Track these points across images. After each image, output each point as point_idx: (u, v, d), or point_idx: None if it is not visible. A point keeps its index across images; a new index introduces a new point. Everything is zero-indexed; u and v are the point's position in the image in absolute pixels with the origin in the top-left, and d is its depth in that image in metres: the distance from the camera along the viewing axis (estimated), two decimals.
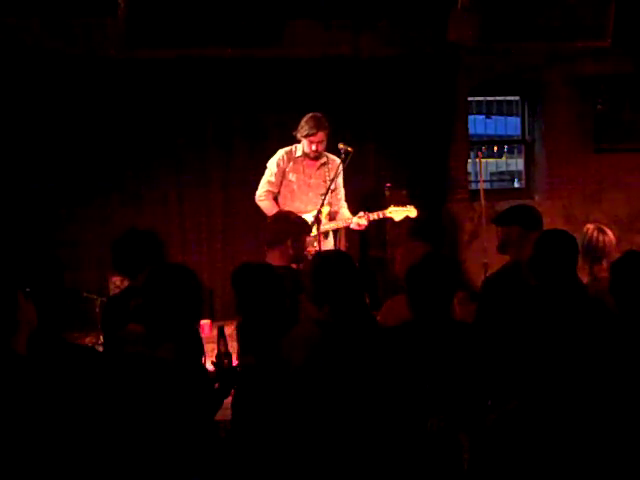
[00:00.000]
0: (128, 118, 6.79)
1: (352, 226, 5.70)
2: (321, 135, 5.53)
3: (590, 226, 4.54)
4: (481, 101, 8.30)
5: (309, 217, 5.43)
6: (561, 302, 3.38)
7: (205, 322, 6.25)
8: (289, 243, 4.28)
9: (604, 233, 4.45)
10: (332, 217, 5.73)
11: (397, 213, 5.71)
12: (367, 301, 6.88)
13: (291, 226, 4.41)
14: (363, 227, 5.71)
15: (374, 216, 5.67)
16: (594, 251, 4.37)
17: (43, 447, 2.51)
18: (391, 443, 2.98)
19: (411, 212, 5.74)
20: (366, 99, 7.12)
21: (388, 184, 6.98)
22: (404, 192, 6.91)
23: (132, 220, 6.67)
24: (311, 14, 6.87)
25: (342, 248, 5.82)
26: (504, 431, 3.00)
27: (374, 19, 7.08)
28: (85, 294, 6.05)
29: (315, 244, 5.46)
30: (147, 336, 3.03)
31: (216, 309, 6.92)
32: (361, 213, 5.65)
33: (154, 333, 3.01)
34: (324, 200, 5.53)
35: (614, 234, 4.63)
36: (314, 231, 5.41)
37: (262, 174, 6.54)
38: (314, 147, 5.55)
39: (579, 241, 4.50)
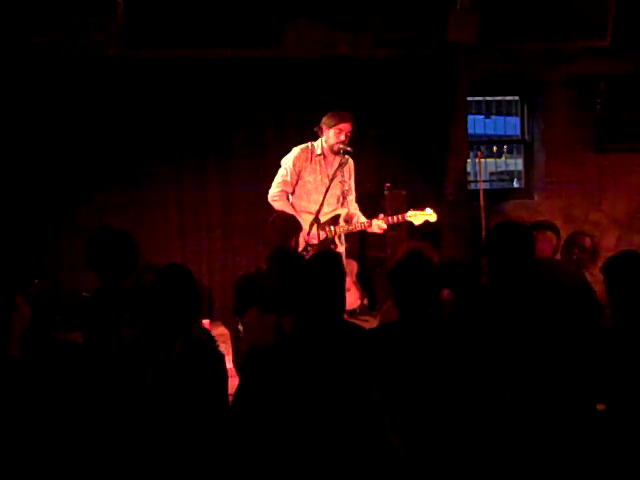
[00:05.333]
0: (127, 118, 6.79)
1: (371, 230, 5.66)
2: (350, 125, 5.52)
3: (581, 236, 4.66)
4: (480, 101, 8.30)
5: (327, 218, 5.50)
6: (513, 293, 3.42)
7: (205, 322, 6.24)
8: (292, 244, 4.38)
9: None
10: (347, 220, 5.72)
11: (417, 217, 5.60)
12: (366, 302, 7.00)
13: (294, 226, 4.50)
14: (382, 231, 5.67)
15: (393, 220, 5.62)
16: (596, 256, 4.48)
17: (38, 446, 2.52)
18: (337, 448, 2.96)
19: (431, 217, 5.62)
20: (366, 99, 7.11)
21: (387, 184, 6.97)
22: (403, 192, 6.90)
23: (132, 221, 6.69)
24: (311, 14, 6.87)
25: (342, 248, 5.83)
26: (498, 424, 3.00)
27: (374, 19, 7.08)
28: (84, 294, 6.04)
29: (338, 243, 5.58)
30: (144, 338, 3.04)
31: (215, 309, 6.91)
32: (381, 216, 5.62)
33: (156, 333, 3.01)
34: (342, 202, 5.59)
35: (614, 234, 4.71)
36: (314, 230, 5.44)
37: (262, 174, 6.54)
38: (342, 137, 5.51)
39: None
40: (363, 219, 5.68)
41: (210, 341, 3.17)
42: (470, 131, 7.91)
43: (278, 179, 5.63)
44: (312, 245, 5.42)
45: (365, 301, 7.03)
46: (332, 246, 5.59)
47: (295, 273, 3.67)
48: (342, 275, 3.36)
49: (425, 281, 3.24)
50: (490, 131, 8.82)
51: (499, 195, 8.03)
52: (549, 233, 4.79)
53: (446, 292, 3.88)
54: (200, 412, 2.89)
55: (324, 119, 5.59)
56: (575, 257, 4.82)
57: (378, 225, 5.59)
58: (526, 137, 8.18)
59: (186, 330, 3.08)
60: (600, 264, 4.51)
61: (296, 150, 5.65)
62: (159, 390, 2.88)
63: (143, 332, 3.05)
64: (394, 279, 3.29)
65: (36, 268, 4.31)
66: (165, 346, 2.97)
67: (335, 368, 3.04)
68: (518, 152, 8.45)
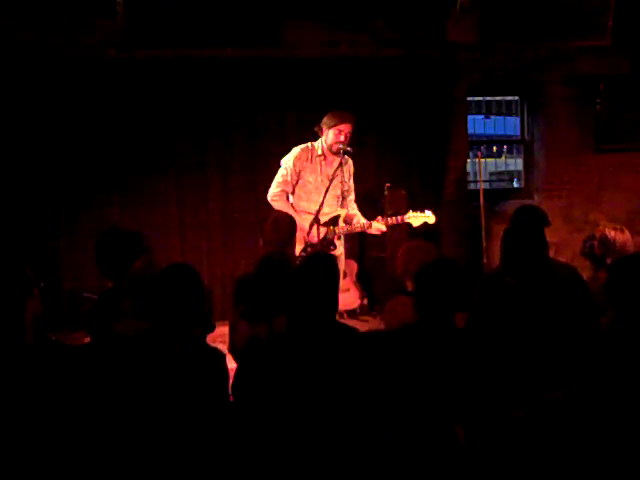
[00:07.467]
0: (127, 118, 6.78)
1: (370, 231, 5.66)
2: (350, 126, 5.51)
3: (608, 224, 4.59)
4: (480, 101, 8.31)
5: (326, 218, 5.50)
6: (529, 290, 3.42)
7: None
8: (293, 244, 4.43)
9: (622, 232, 4.50)
10: (347, 220, 5.71)
11: (415, 219, 5.63)
12: (366, 302, 7.00)
13: (293, 227, 4.52)
14: (381, 233, 5.67)
15: (392, 221, 5.63)
16: (606, 249, 4.42)
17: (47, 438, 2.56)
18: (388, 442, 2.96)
19: (430, 219, 5.65)
20: (366, 99, 7.11)
21: (388, 184, 6.98)
22: (403, 192, 6.90)
23: (132, 220, 6.68)
24: (310, 14, 6.87)
25: (341, 249, 5.83)
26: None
27: (374, 19, 7.09)
28: (85, 294, 6.05)
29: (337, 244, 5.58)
30: (149, 331, 3.04)
31: (215, 309, 6.90)
32: (380, 218, 5.62)
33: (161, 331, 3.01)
34: (342, 203, 5.59)
35: None
36: (314, 230, 5.44)
37: (262, 174, 6.55)
38: (342, 137, 5.50)
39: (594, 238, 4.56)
40: (363, 220, 5.68)
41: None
42: (470, 131, 7.92)
43: (278, 179, 5.62)
44: (312, 244, 5.43)
45: (365, 301, 7.04)
46: (331, 247, 5.59)
47: (278, 282, 3.69)
48: (336, 277, 3.34)
49: (453, 287, 3.23)
50: (490, 131, 8.83)
51: (499, 195, 8.04)
52: None
53: None
54: (201, 411, 2.89)
55: (324, 119, 5.59)
56: (587, 250, 4.79)
57: (377, 227, 5.60)
58: (526, 137, 8.18)
59: (189, 330, 3.08)
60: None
61: (296, 150, 5.64)
62: (159, 388, 2.88)
63: (150, 327, 3.06)
64: (420, 282, 3.26)
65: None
66: (168, 345, 2.97)
67: (327, 369, 3.03)
68: (518, 152, 8.46)
